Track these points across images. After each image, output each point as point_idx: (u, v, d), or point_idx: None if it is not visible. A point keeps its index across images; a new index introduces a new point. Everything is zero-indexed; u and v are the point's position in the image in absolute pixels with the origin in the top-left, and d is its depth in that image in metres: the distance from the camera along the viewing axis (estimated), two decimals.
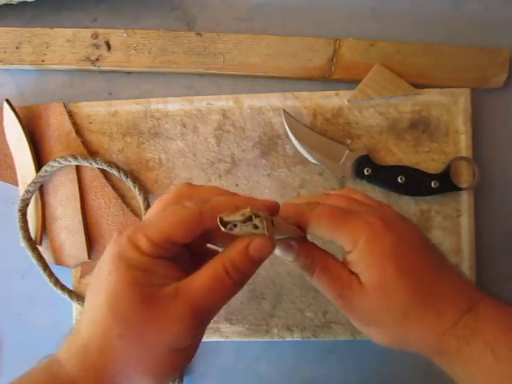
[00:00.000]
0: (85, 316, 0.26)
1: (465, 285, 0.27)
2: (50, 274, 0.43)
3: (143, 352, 0.25)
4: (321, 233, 0.28)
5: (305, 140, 0.42)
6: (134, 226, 0.26)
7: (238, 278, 0.26)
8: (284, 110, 0.43)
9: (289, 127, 0.43)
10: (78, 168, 0.45)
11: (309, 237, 0.30)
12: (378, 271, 0.27)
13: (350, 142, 0.43)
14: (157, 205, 0.28)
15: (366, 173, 0.41)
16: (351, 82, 0.43)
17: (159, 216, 0.26)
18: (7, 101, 0.44)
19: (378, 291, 0.27)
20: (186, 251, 0.28)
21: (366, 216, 0.28)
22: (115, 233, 0.27)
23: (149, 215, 0.28)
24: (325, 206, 0.29)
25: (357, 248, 0.27)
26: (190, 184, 0.29)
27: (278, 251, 0.30)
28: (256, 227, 0.23)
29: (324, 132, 0.43)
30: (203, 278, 0.25)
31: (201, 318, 0.26)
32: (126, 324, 0.25)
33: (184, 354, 0.26)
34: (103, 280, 0.25)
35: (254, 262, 0.26)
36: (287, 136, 0.43)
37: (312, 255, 0.30)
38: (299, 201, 0.31)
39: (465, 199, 0.42)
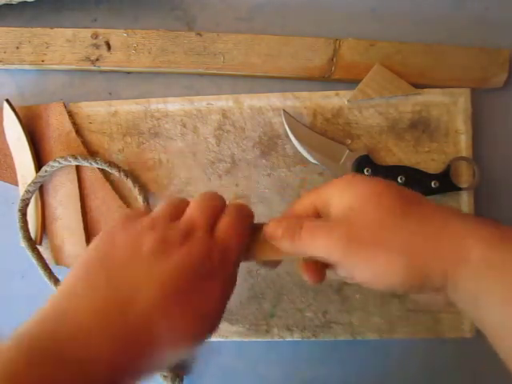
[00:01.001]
0: (135, 292, 0.25)
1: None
2: (50, 274, 0.43)
3: (193, 303, 0.26)
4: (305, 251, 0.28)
5: (305, 140, 0.42)
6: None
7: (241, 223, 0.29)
8: (284, 110, 0.43)
9: (289, 127, 0.42)
10: (77, 168, 0.45)
11: None
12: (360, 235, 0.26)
13: (350, 141, 0.43)
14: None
15: (366, 173, 0.41)
16: (351, 82, 0.43)
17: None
18: (7, 101, 0.44)
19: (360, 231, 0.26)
20: None
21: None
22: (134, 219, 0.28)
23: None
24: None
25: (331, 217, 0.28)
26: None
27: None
28: None
29: (324, 132, 0.43)
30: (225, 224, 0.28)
31: (234, 263, 0.29)
32: (180, 293, 0.26)
33: (216, 322, 0.28)
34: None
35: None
36: (287, 136, 0.43)
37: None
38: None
39: (465, 199, 0.42)
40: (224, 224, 0.29)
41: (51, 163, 0.43)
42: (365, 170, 0.41)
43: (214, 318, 0.28)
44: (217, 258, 0.27)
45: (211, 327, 0.28)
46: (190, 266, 0.26)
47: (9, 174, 0.46)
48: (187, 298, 0.26)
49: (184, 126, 0.45)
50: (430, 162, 0.43)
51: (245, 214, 0.30)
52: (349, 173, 0.42)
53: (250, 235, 0.30)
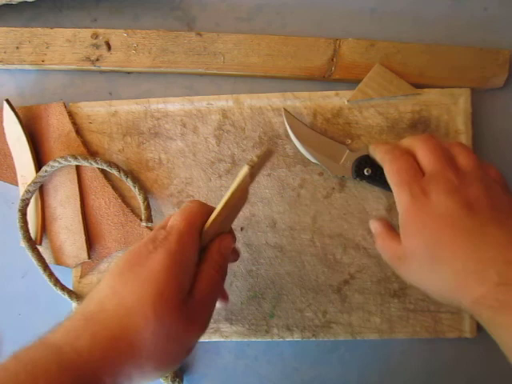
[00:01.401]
0: (116, 306, 0.27)
1: (500, 259, 0.28)
2: (50, 274, 0.43)
3: (166, 349, 0.28)
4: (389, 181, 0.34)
5: (305, 139, 0.42)
6: (176, 231, 0.30)
7: (222, 271, 0.32)
8: (285, 109, 0.43)
9: (289, 126, 0.42)
10: (78, 168, 0.45)
11: None
12: (408, 246, 0.31)
13: (350, 141, 0.43)
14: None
15: (366, 173, 0.41)
16: (351, 82, 0.44)
17: (188, 217, 0.31)
18: (7, 101, 0.44)
19: (412, 262, 0.31)
20: None
21: (422, 184, 0.31)
22: (155, 239, 0.30)
23: (176, 221, 0.31)
24: (399, 161, 0.33)
25: (400, 216, 0.32)
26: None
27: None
28: None
29: (324, 132, 0.43)
30: (205, 284, 0.30)
31: (210, 318, 0.30)
32: (161, 323, 0.27)
33: (190, 351, 0.30)
34: (149, 277, 0.28)
35: (226, 257, 0.32)
36: (287, 136, 0.43)
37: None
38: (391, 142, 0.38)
39: None
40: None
41: (51, 163, 0.43)
42: (365, 171, 0.41)
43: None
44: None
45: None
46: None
47: (9, 173, 0.46)
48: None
49: (184, 126, 0.45)
50: None
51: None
52: (348, 173, 0.42)
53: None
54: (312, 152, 0.42)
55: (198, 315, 0.29)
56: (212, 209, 0.32)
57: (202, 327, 0.30)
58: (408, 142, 0.34)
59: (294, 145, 0.43)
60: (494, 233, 0.28)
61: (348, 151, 0.42)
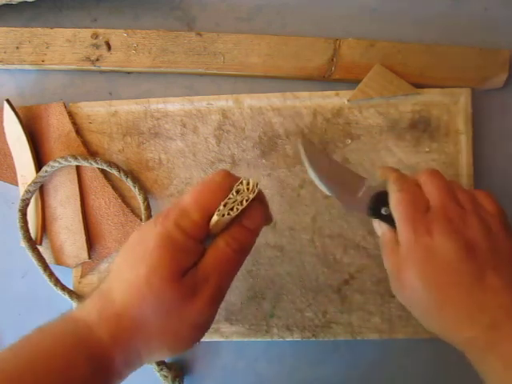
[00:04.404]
0: (119, 284, 0.29)
1: (493, 303, 0.29)
2: (50, 274, 0.43)
3: (169, 326, 0.28)
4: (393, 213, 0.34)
5: (323, 170, 0.36)
6: (176, 210, 0.29)
7: (238, 246, 0.29)
8: (302, 135, 0.40)
9: (306, 155, 0.36)
10: (78, 168, 0.45)
11: None
12: (405, 277, 0.32)
13: (350, 141, 0.43)
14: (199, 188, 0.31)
15: (383, 212, 0.35)
16: (351, 82, 0.43)
17: (195, 195, 0.29)
18: (7, 101, 0.44)
19: (407, 291, 0.32)
20: None
21: (426, 221, 0.32)
22: (159, 216, 0.29)
23: (184, 197, 0.30)
24: (406, 194, 0.33)
25: (401, 247, 0.32)
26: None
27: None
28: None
29: (324, 132, 0.43)
30: (211, 257, 0.29)
31: (216, 292, 0.29)
32: (158, 299, 0.28)
33: (202, 330, 0.30)
34: (145, 253, 0.28)
35: (251, 231, 0.30)
36: (287, 136, 0.43)
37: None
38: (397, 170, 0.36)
39: None
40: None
41: (51, 163, 0.43)
42: (382, 210, 0.35)
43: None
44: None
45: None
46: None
47: (9, 173, 0.46)
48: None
49: (184, 126, 0.45)
50: (430, 162, 0.43)
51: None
52: (364, 209, 0.36)
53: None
54: (328, 184, 0.36)
55: (202, 291, 0.28)
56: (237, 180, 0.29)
57: (208, 304, 0.29)
58: (415, 175, 0.35)
59: (309, 171, 0.37)
60: (490, 277, 0.30)
61: (367, 185, 0.36)
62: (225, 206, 0.28)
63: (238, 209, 0.28)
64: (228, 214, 0.28)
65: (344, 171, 0.37)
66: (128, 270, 0.29)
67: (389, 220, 0.35)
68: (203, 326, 0.30)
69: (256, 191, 0.29)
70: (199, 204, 0.29)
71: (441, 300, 0.30)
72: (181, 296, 0.28)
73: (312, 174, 0.37)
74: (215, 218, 0.28)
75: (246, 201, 0.28)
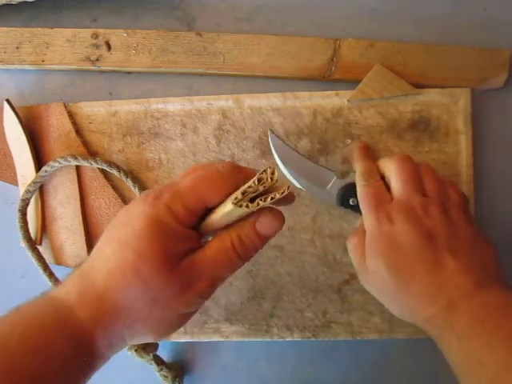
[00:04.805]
0: (101, 264, 0.27)
1: (451, 285, 0.31)
2: (50, 274, 0.43)
3: (154, 313, 0.27)
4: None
5: (290, 162, 0.39)
6: (170, 192, 0.27)
7: (243, 251, 0.28)
8: (270, 130, 0.41)
9: (274, 147, 0.40)
10: (78, 168, 0.45)
11: None
12: (371, 264, 0.34)
13: (350, 141, 0.43)
14: (189, 171, 0.30)
15: (351, 203, 0.38)
16: (351, 82, 0.43)
17: (193, 181, 0.27)
18: (7, 101, 0.44)
19: (373, 278, 0.34)
20: None
21: (389, 210, 0.34)
22: (149, 195, 0.27)
23: (182, 180, 0.28)
24: (369, 187, 0.35)
25: (366, 236, 0.35)
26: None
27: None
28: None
29: (324, 132, 0.43)
30: (211, 252, 0.28)
31: (208, 288, 0.28)
32: (146, 287, 0.26)
33: (187, 317, 0.29)
34: (131, 236, 0.26)
35: (261, 238, 0.28)
36: (287, 136, 0.43)
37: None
38: (369, 160, 0.38)
39: None
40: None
41: (51, 163, 0.43)
42: (350, 201, 0.38)
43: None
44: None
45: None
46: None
47: (9, 173, 0.46)
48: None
49: (184, 126, 0.45)
50: (430, 162, 0.42)
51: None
52: (333, 201, 0.39)
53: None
54: (298, 177, 0.39)
55: (193, 286, 0.27)
56: (249, 174, 0.27)
57: (198, 298, 0.28)
58: (383, 162, 0.37)
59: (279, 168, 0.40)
60: (448, 261, 0.32)
61: (335, 178, 0.39)
62: (243, 194, 0.23)
63: (258, 204, 0.23)
64: (247, 205, 0.24)
65: (312, 166, 0.40)
66: (111, 251, 0.27)
67: (357, 209, 0.38)
68: (190, 314, 0.29)
69: (287, 190, 0.24)
70: (196, 191, 0.27)
71: (404, 283, 0.32)
72: (169, 287, 0.26)
73: (283, 169, 0.40)
74: (228, 207, 0.24)
75: (272, 198, 0.24)
